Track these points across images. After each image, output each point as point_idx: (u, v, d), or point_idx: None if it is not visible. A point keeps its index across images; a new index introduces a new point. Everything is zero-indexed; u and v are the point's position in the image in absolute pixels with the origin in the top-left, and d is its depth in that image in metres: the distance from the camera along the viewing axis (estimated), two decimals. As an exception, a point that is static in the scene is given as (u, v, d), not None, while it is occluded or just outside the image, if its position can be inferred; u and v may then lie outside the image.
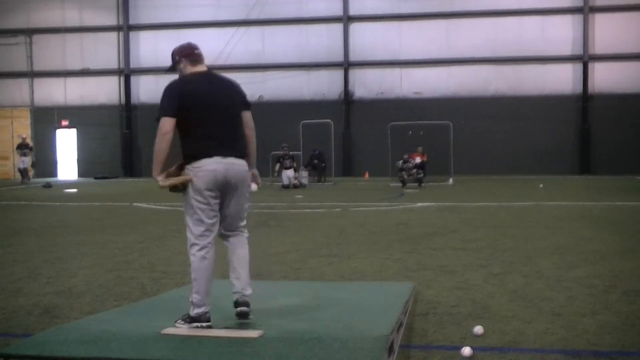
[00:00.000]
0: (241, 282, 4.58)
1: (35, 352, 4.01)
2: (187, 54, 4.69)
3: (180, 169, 4.54)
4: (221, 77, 4.78)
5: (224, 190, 4.54)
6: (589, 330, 4.97)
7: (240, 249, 4.67)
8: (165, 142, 4.46)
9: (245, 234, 4.75)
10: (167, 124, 4.48)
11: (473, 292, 6.33)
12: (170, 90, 4.55)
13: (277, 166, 23.88)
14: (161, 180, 4.45)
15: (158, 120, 4.47)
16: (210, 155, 4.49)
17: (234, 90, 4.78)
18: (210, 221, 4.52)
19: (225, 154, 4.52)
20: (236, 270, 4.61)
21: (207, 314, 4.47)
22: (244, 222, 4.74)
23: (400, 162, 22.66)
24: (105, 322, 4.75)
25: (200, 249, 4.49)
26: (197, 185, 4.46)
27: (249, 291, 4.58)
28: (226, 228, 4.66)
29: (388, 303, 5.23)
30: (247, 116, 4.77)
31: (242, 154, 4.64)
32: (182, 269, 7.76)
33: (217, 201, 4.54)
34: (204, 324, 4.43)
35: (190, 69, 4.67)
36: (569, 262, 7.86)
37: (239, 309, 4.52)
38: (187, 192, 4.50)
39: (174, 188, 4.51)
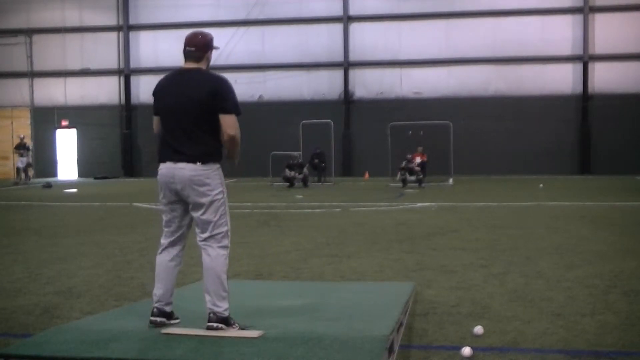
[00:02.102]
0: (209, 296, 4.33)
1: (35, 352, 4.01)
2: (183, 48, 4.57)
3: None
4: (195, 76, 4.43)
5: (179, 197, 4.42)
6: (589, 330, 4.97)
7: (206, 261, 4.38)
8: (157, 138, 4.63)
9: (213, 250, 4.37)
10: (153, 123, 4.63)
11: (473, 292, 6.33)
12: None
13: (290, 173, 23.32)
14: None
15: None
16: (163, 161, 4.45)
17: (203, 90, 4.35)
18: (166, 227, 4.57)
19: (176, 159, 4.37)
20: (204, 284, 4.39)
21: (154, 309, 4.50)
22: (214, 235, 4.38)
23: (404, 162, 22.64)
24: (105, 322, 4.75)
25: (159, 247, 4.60)
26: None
27: (219, 307, 4.30)
28: (198, 237, 4.46)
29: (388, 303, 5.22)
30: (223, 120, 4.35)
31: (197, 157, 4.33)
32: (182, 269, 7.76)
33: (175, 208, 4.48)
34: (151, 318, 4.47)
35: (183, 65, 4.57)
36: (569, 262, 7.86)
37: (207, 324, 4.30)
38: None
39: None
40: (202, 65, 4.51)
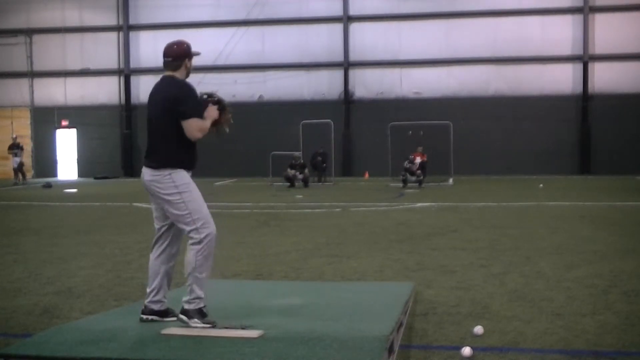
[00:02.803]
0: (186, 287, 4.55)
1: (35, 352, 4.01)
2: None
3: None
4: (162, 83, 4.70)
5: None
6: (589, 330, 4.97)
7: (185, 254, 4.58)
8: None
9: (190, 243, 4.53)
10: None
11: (473, 292, 6.33)
12: None
13: (290, 172, 23.31)
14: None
15: None
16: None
17: (163, 96, 4.61)
18: (155, 225, 4.81)
19: (144, 163, 4.73)
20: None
21: (148, 307, 4.70)
22: (187, 232, 4.55)
23: (407, 162, 22.63)
24: (105, 322, 4.75)
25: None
26: None
27: (184, 298, 4.50)
28: None
29: (388, 303, 5.23)
30: (184, 126, 4.55)
31: (153, 163, 4.61)
32: (182, 269, 7.76)
33: (155, 208, 4.76)
34: (141, 316, 4.69)
35: None
36: (569, 262, 7.86)
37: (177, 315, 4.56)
38: None
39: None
40: (178, 74, 4.70)
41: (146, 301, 4.70)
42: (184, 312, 4.49)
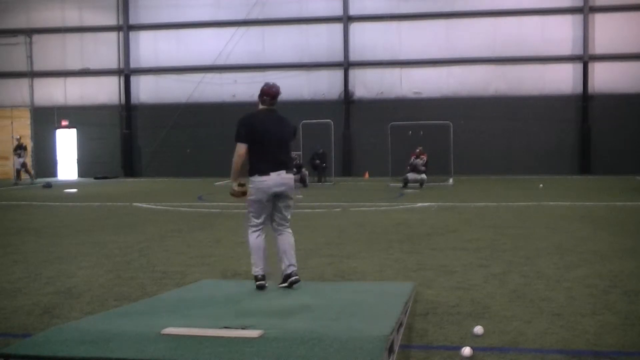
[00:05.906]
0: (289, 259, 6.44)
1: (35, 352, 4.01)
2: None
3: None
4: (282, 117, 6.62)
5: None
6: (589, 330, 4.98)
7: (283, 236, 6.54)
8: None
9: (288, 226, 6.57)
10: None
11: (473, 292, 6.33)
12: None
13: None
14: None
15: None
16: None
17: (291, 128, 6.50)
18: (262, 218, 6.53)
19: (284, 170, 6.22)
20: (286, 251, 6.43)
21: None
22: (288, 217, 6.54)
23: (412, 159, 22.58)
24: (105, 322, 4.75)
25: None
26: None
27: (295, 266, 6.40)
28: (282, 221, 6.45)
29: (388, 303, 5.23)
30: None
31: (291, 171, 6.35)
32: (182, 269, 7.77)
33: (267, 205, 6.30)
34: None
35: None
36: (569, 262, 7.86)
37: (292, 279, 6.28)
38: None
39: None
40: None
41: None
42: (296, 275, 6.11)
